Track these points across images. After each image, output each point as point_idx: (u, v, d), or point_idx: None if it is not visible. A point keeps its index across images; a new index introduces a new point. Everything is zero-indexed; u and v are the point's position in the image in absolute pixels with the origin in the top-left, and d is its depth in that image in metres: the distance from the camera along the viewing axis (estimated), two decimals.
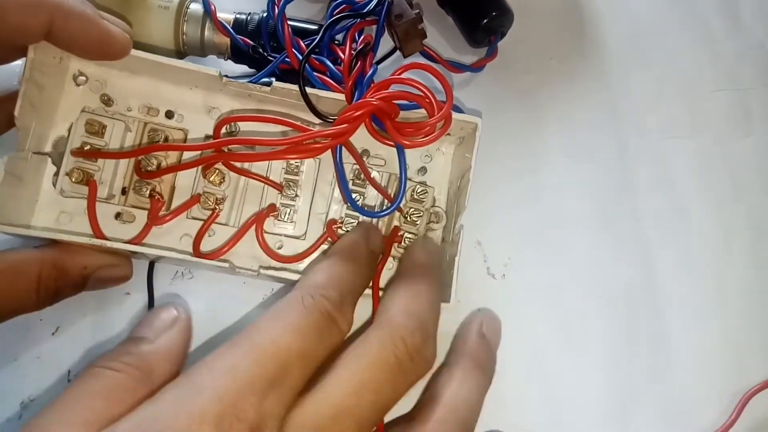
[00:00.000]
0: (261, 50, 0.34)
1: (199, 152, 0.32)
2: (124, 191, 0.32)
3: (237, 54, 0.35)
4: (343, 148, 0.32)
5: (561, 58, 0.39)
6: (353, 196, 0.33)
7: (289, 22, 0.34)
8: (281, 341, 0.23)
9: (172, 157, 0.32)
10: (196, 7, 0.35)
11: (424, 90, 0.29)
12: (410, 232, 0.33)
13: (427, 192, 0.33)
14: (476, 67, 0.37)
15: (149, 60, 0.30)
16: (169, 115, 0.33)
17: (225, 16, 0.35)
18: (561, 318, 0.35)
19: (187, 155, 0.32)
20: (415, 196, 0.33)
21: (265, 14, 0.35)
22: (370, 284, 0.31)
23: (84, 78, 0.32)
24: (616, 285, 0.36)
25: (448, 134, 0.33)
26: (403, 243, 0.33)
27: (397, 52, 0.34)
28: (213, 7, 0.35)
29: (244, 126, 0.33)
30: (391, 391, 0.24)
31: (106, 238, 0.30)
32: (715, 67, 0.39)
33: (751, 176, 0.38)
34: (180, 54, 0.36)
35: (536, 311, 0.35)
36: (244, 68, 0.36)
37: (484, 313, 0.33)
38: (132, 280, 0.32)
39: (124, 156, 0.31)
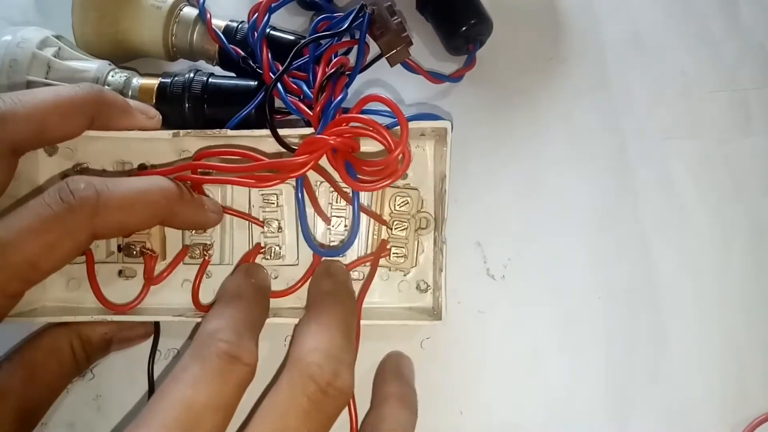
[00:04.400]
0: (251, 62, 0.33)
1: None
2: (120, 249, 0.32)
3: (225, 61, 0.35)
4: (316, 174, 0.31)
5: (560, 58, 0.39)
6: (334, 221, 0.33)
7: (272, 32, 0.34)
8: (183, 399, 0.23)
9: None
10: (189, 11, 0.35)
11: (377, 128, 0.29)
12: (397, 246, 0.33)
13: (407, 201, 0.33)
14: (455, 77, 0.37)
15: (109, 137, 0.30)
16: (143, 167, 0.33)
17: (217, 22, 0.35)
18: (560, 318, 0.35)
19: None
20: (397, 208, 0.33)
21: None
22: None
23: (54, 148, 0.32)
24: (616, 285, 0.36)
25: (422, 135, 0.33)
26: (390, 257, 0.33)
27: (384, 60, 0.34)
28: (209, 15, 0.34)
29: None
30: None
31: (110, 305, 0.30)
32: (715, 67, 0.39)
33: (751, 176, 0.38)
34: (170, 56, 0.36)
35: (536, 312, 0.35)
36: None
37: (397, 353, 0.34)
38: None
39: None
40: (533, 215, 0.37)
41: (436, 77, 0.36)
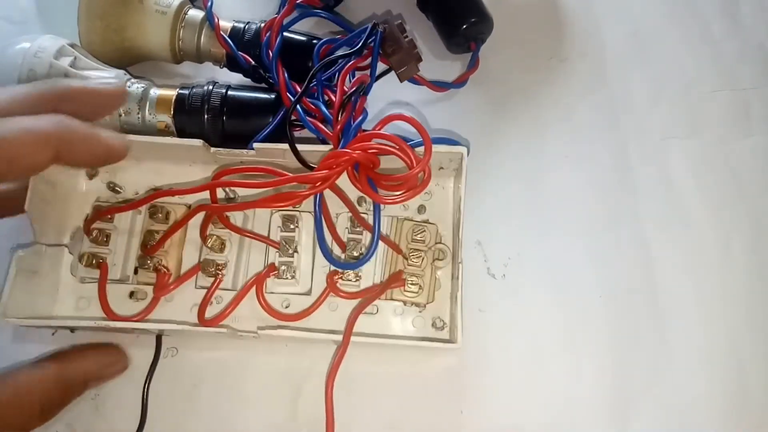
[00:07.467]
0: (261, 71, 0.33)
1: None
2: (136, 271, 0.33)
3: (233, 64, 0.35)
4: (335, 196, 0.32)
5: (561, 58, 0.39)
6: (349, 246, 0.33)
7: (286, 34, 0.34)
8: None
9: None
10: (195, 14, 0.35)
11: (401, 145, 0.29)
12: (413, 275, 0.33)
13: (425, 231, 0.33)
14: (458, 83, 0.37)
15: (140, 142, 0.31)
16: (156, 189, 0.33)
17: (223, 24, 0.34)
18: (561, 318, 0.35)
19: (192, 233, 0.33)
20: (415, 237, 0.33)
21: (262, 24, 0.34)
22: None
23: (95, 172, 0.34)
24: (616, 285, 0.36)
25: (441, 168, 0.33)
26: (406, 287, 0.32)
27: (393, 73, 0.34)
28: (216, 20, 0.34)
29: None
30: None
31: (116, 317, 0.31)
32: (715, 67, 0.39)
33: (751, 176, 0.38)
34: (176, 59, 0.35)
35: (536, 311, 0.35)
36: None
37: None
38: None
39: (134, 206, 0.32)
40: (534, 214, 0.37)
41: (439, 86, 0.36)
